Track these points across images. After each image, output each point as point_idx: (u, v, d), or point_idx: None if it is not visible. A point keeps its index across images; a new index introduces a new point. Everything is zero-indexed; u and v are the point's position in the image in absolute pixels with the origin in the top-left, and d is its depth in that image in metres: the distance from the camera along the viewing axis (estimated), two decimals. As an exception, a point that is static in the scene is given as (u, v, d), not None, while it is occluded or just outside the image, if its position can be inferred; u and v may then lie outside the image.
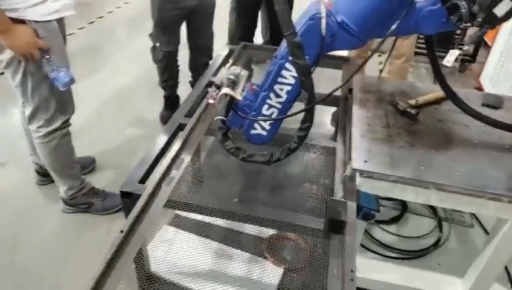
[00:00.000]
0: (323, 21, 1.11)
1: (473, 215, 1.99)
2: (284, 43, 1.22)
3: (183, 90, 3.12)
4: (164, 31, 2.74)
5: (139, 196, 1.33)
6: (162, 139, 1.63)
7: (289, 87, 1.25)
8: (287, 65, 1.21)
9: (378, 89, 1.83)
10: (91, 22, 4.56)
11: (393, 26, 1.05)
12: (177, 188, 1.38)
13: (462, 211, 2.00)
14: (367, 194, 1.41)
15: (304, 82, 1.12)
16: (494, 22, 1.04)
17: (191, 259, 1.68)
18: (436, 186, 1.32)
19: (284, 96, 1.27)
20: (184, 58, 2.96)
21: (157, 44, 2.79)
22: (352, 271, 1.08)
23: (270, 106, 1.30)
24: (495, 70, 2.99)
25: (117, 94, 3.31)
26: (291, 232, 1.50)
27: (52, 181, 2.30)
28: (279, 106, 1.29)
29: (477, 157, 1.46)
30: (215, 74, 2.12)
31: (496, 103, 1.76)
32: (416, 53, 3.39)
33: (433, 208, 2.01)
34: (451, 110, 1.67)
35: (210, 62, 3.01)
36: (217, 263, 1.71)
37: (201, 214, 1.51)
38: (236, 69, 1.39)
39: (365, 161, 1.39)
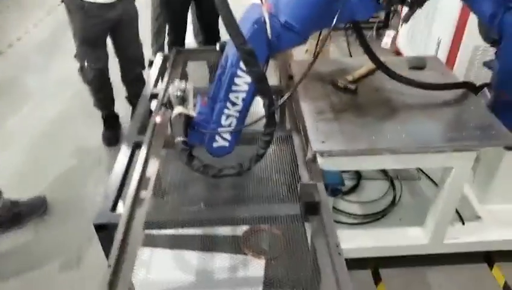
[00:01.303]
0: (268, 24, 1.14)
1: (418, 169, 2.19)
2: (231, 51, 1.23)
3: (119, 105, 3.04)
4: (91, 48, 2.61)
5: (114, 225, 1.32)
6: (122, 161, 1.61)
7: (244, 94, 1.26)
8: (239, 72, 1.22)
9: (316, 71, 1.94)
10: (0, 53, 4.24)
11: (334, 20, 1.12)
12: (151, 208, 1.38)
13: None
14: (330, 171, 1.50)
15: (261, 88, 1.14)
16: (422, 1, 1.16)
17: (176, 274, 1.69)
18: (389, 151, 1.45)
19: (241, 103, 1.28)
20: (114, 72, 2.87)
21: (86, 63, 2.67)
22: (337, 246, 1.17)
23: (228, 116, 1.30)
24: (408, 34, 3.26)
25: (49, 125, 3.14)
26: (265, 223, 1.57)
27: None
28: (237, 114, 1.30)
29: (416, 117, 1.62)
30: (155, 85, 2.09)
31: (420, 64, 1.95)
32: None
33: (383, 171, 2.17)
34: (384, 79, 1.81)
35: (143, 71, 2.99)
36: (201, 271, 1.73)
37: (180, 227, 1.52)
38: (181, 84, 1.36)
39: (323, 142, 1.49)
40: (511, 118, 1.57)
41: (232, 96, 1.27)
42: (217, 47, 2.36)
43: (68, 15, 2.60)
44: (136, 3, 2.72)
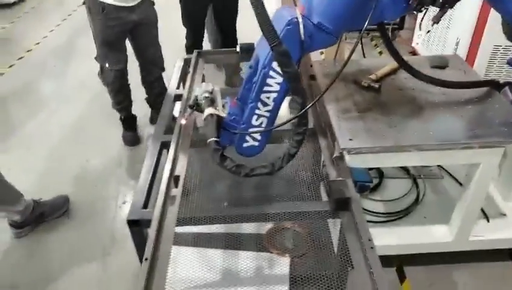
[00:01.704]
0: (301, 25, 1.15)
1: (441, 167, 2.19)
2: (262, 52, 1.25)
3: (137, 108, 3.09)
4: (111, 50, 2.67)
5: (147, 221, 1.35)
6: (150, 160, 1.64)
7: (275, 94, 1.28)
8: (271, 73, 1.23)
9: (335, 70, 1.95)
10: (20, 58, 4.31)
11: (367, 20, 1.14)
12: (182, 205, 1.41)
13: (430, 166, 2.20)
14: (357, 168, 1.52)
15: (295, 88, 1.15)
16: (453, 2, 1.17)
17: (201, 272, 1.71)
18: (416, 148, 1.47)
19: (271, 104, 1.30)
20: (131, 75, 2.92)
21: (106, 65, 2.71)
22: (369, 240, 1.18)
23: (259, 116, 1.32)
24: (425, 34, 3.27)
25: (70, 127, 3.20)
26: (289, 221, 1.58)
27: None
28: (267, 114, 1.32)
29: (441, 115, 1.63)
30: (178, 87, 2.13)
31: (442, 63, 1.96)
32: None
33: (405, 169, 2.18)
34: (407, 78, 1.83)
35: (163, 74, 3.01)
36: (226, 269, 1.75)
37: (206, 224, 1.54)
38: (208, 86, 1.37)
39: (350, 139, 1.51)
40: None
41: (263, 96, 1.29)
42: (237, 49, 2.42)
43: (89, 16, 2.65)
44: (156, 7, 2.77)
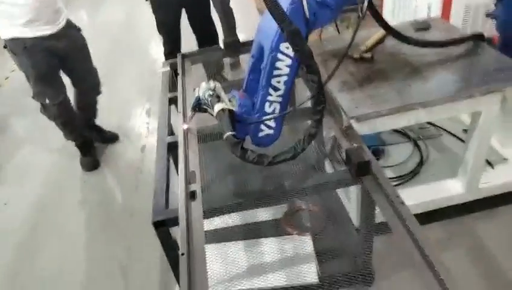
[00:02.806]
0: (305, 2, 1.15)
1: (437, 126, 2.26)
2: (266, 37, 1.24)
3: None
4: (47, 85, 2.54)
5: (173, 220, 1.35)
6: (161, 162, 1.64)
7: (286, 78, 1.27)
8: (280, 56, 1.23)
9: (327, 49, 1.99)
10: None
11: None
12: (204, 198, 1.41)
13: (427, 127, 2.26)
14: (367, 135, 1.55)
15: (311, 66, 1.15)
16: None
17: (231, 266, 1.72)
18: (421, 105, 1.51)
19: (282, 87, 1.28)
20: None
21: (47, 101, 2.58)
22: (398, 196, 1.21)
23: (272, 102, 1.31)
24: (394, 4, 3.36)
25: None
26: (315, 194, 1.59)
27: None
28: (280, 99, 1.30)
29: (437, 72, 1.68)
30: (171, 91, 2.12)
31: (425, 25, 2.01)
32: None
33: (405, 134, 2.24)
34: (395, 44, 1.87)
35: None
36: (254, 258, 1.76)
37: (230, 213, 1.54)
38: (210, 84, 1.36)
39: (356, 107, 1.54)
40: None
41: (274, 81, 1.27)
42: (222, 45, 2.43)
43: (15, 59, 2.49)
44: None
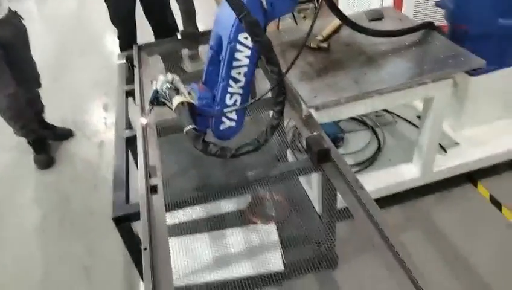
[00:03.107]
0: None
1: (392, 113, 2.33)
2: (223, 28, 1.23)
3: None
4: None
5: (134, 215, 1.32)
6: (120, 157, 1.60)
7: (245, 69, 1.25)
8: (238, 46, 1.21)
9: (285, 39, 2.00)
10: None
11: None
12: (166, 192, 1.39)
13: (383, 114, 2.34)
14: (327, 124, 1.58)
15: (270, 57, 1.13)
16: None
17: (197, 257, 1.71)
18: (377, 92, 1.55)
19: (243, 79, 1.27)
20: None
21: None
22: (357, 181, 1.24)
23: (232, 94, 1.29)
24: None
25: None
26: (277, 183, 1.61)
27: None
28: (240, 90, 1.29)
29: (391, 61, 1.73)
30: (128, 83, 2.07)
31: (378, 15, 2.07)
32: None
33: (362, 122, 2.30)
34: (350, 33, 1.91)
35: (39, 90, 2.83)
36: (219, 250, 1.76)
37: (192, 206, 1.53)
38: (167, 76, 1.32)
39: (315, 96, 1.56)
40: (472, 47, 1.73)
41: (234, 72, 1.26)
42: (178, 36, 2.39)
43: None
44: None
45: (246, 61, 1.25)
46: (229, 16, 1.17)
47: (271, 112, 2.05)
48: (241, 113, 1.36)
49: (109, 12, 2.95)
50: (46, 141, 2.88)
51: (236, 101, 1.32)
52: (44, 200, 2.54)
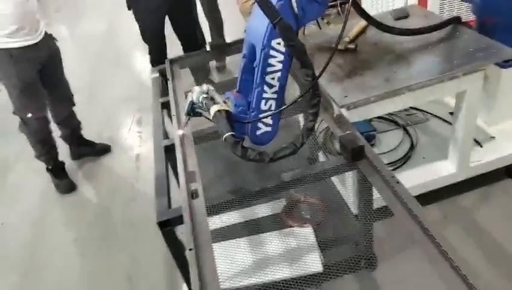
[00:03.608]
0: None
1: (423, 111, 2.32)
2: (255, 35, 1.26)
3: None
4: (31, 97, 2.51)
5: (177, 219, 1.37)
6: (160, 165, 1.66)
7: (279, 74, 1.27)
8: (272, 52, 1.23)
9: (311, 43, 2.03)
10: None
11: None
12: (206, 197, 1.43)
13: (414, 113, 2.33)
14: (359, 122, 1.60)
15: (304, 61, 1.15)
16: None
17: (235, 263, 1.74)
18: (407, 89, 1.56)
19: (277, 84, 1.29)
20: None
21: (29, 115, 2.53)
22: (393, 177, 1.25)
23: (267, 100, 1.31)
24: (373, -1, 3.44)
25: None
26: (313, 183, 1.63)
27: None
28: (275, 95, 1.31)
29: (420, 57, 1.74)
30: (162, 96, 2.15)
31: (403, 13, 2.07)
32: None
33: (394, 122, 2.29)
34: (377, 33, 1.93)
35: (74, 109, 2.92)
36: (257, 254, 1.79)
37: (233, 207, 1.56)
38: (202, 87, 1.35)
39: (345, 96, 1.58)
40: (502, 39, 1.71)
41: (268, 78, 1.28)
42: (208, 48, 2.47)
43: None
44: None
45: (280, 66, 1.27)
46: (261, 23, 1.21)
47: (301, 116, 2.10)
48: (276, 118, 1.38)
49: (140, 29, 3.07)
50: (63, 167, 2.94)
51: (271, 106, 1.34)
52: (86, 216, 2.64)
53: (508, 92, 1.98)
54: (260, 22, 1.21)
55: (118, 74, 4.33)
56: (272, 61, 1.26)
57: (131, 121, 3.49)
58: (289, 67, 1.31)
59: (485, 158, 1.94)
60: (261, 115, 1.34)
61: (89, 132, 3.16)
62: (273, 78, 1.30)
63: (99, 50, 4.99)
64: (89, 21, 6.02)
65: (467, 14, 2.31)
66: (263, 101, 1.33)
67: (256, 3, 1.25)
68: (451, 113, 2.13)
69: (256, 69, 1.29)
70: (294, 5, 1.19)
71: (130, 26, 3.13)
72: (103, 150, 3.13)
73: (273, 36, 1.22)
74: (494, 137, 2.04)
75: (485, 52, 1.64)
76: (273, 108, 1.34)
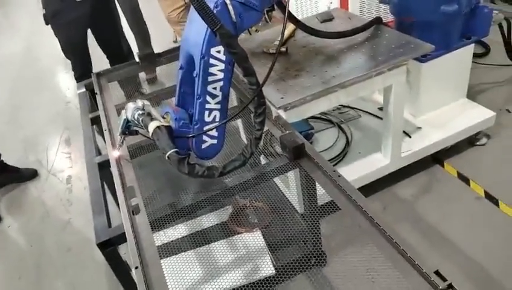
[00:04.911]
0: (230, 6, 1.13)
1: (355, 108, 2.42)
2: (192, 46, 1.22)
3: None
4: None
5: (119, 237, 1.30)
6: (95, 183, 1.57)
7: (221, 83, 1.23)
8: (212, 61, 1.19)
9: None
10: None
11: None
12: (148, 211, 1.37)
13: (347, 111, 2.42)
14: (297, 122, 1.62)
15: (247, 68, 1.13)
16: None
17: (187, 277, 1.67)
18: (340, 86, 1.62)
19: (219, 94, 1.25)
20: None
21: None
22: (334, 171, 1.28)
23: (211, 110, 1.26)
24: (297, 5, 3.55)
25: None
26: (258, 185, 1.63)
27: None
28: (218, 106, 1.26)
29: (348, 56, 1.81)
30: (91, 111, 2.04)
31: (329, 17, 2.16)
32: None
33: (329, 120, 2.37)
34: (305, 36, 1.98)
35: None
36: (209, 265, 1.74)
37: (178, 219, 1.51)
38: (137, 103, 1.28)
39: (282, 98, 1.60)
40: (419, 36, 1.84)
41: (210, 88, 1.23)
42: (137, 59, 2.38)
43: None
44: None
45: (221, 75, 1.23)
46: (198, 32, 1.17)
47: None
48: (222, 130, 1.32)
49: (60, 45, 2.89)
50: (5, 165, 2.78)
51: (215, 117, 1.28)
52: (16, 246, 2.43)
53: (428, 85, 2.13)
54: (198, 30, 1.18)
55: (41, 93, 4.07)
56: (212, 70, 1.22)
57: (58, 141, 3.27)
58: (231, 76, 1.27)
59: (414, 148, 2.07)
60: (206, 128, 1.28)
61: (11, 157, 2.92)
62: (215, 88, 1.25)
63: (19, 71, 4.68)
64: (7, 42, 5.64)
65: (385, 14, 2.46)
66: (206, 112, 1.27)
67: (192, 11, 1.22)
68: (380, 109, 2.25)
69: (196, 79, 1.24)
70: (232, 12, 1.16)
71: (50, 43, 2.94)
72: (29, 175, 2.89)
73: (213, 44, 1.18)
74: (420, 127, 2.18)
75: (405, 48, 1.75)
76: (217, 119, 1.29)
